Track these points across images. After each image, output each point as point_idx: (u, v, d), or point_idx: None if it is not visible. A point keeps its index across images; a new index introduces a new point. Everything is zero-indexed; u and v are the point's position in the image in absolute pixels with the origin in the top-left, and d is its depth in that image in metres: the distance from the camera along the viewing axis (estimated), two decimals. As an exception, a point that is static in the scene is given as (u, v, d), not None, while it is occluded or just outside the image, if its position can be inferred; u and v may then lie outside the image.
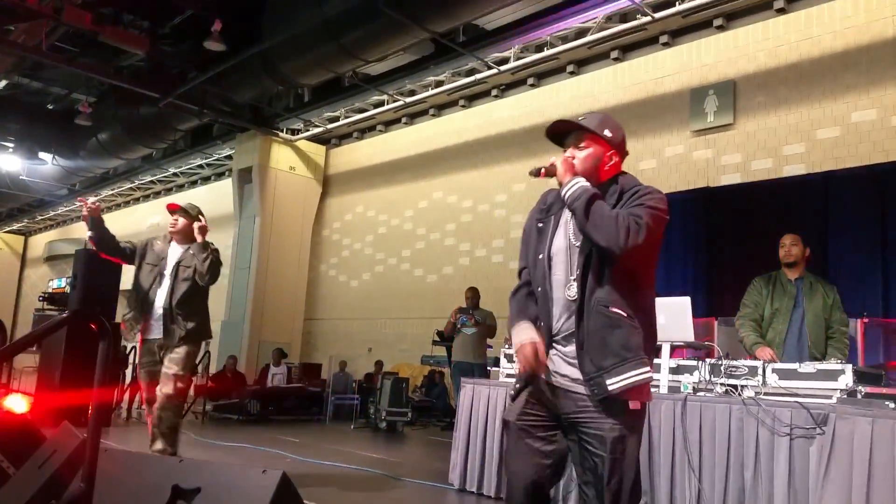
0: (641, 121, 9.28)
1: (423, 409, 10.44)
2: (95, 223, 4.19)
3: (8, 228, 23.67)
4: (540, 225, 2.28)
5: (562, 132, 2.29)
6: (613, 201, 2.14)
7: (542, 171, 2.22)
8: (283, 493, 2.38)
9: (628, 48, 9.55)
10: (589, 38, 9.04)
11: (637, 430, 2.09)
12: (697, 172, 8.66)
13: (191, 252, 4.32)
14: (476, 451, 4.52)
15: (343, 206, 14.12)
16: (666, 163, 8.99)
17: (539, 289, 2.19)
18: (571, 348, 2.09)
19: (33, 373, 8.58)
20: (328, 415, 9.88)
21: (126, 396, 9.41)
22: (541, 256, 2.21)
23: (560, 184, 2.18)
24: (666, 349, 3.76)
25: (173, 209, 4.49)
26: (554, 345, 2.14)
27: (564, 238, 2.18)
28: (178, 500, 2.51)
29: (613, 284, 2.06)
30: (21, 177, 16.60)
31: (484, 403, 4.55)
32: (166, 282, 4.26)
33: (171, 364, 4.14)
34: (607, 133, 2.23)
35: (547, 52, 9.53)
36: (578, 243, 2.12)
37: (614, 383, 2.00)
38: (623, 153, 2.29)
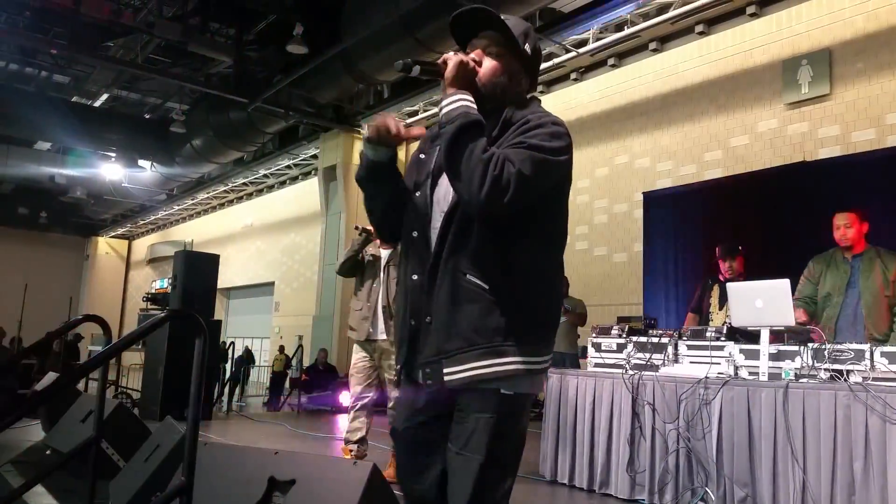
0: (731, 95, 8.84)
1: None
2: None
3: (113, 234, 25.26)
4: (422, 156, 1.76)
5: (469, 28, 1.70)
6: (496, 134, 1.60)
7: (417, 68, 1.60)
8: (374, 484, 2.43)
9: (714, 21, 9.11)
10: (672, 13, 8.68)
11: (515, 426, 1.58)
12: (793, 147, 8.17)
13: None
14: (567, 442, 4.45)
15: (424, 199, 14.23)
16: (759, 138, 8.53)
17: (415, 234, 1.65)
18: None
19: (139, 370, 9.15)
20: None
21: (226, 390, 9.87)
22: (418, 194, 1.68)
23: (443, 92, 1.61)
24: (765, 334, 3.56)
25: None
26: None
27: (445, 177, 1.62)
28: (274, 492, 2.60)
29: (481, 244, 1.54)
30: (123, 184, 17.68)
31: (573, 394, 4.46)
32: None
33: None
34: (527, 48, 1.69)
35: (627, 31, 9.22)
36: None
37: (452, 374, 1.53)
38: (535, 83, 1.77)
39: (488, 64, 1.66)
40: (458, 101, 1.57)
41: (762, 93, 8.56)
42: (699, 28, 9.17)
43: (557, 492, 4.37)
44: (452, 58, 1.60)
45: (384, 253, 4.60)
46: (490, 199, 1.46)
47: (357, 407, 4.59)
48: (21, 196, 20.76)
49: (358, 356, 4.60)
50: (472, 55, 1.65)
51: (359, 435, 4.54)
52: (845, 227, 4.05)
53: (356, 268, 4.60)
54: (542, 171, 1.51)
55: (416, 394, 1.67)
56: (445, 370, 1.55)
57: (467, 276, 1.55)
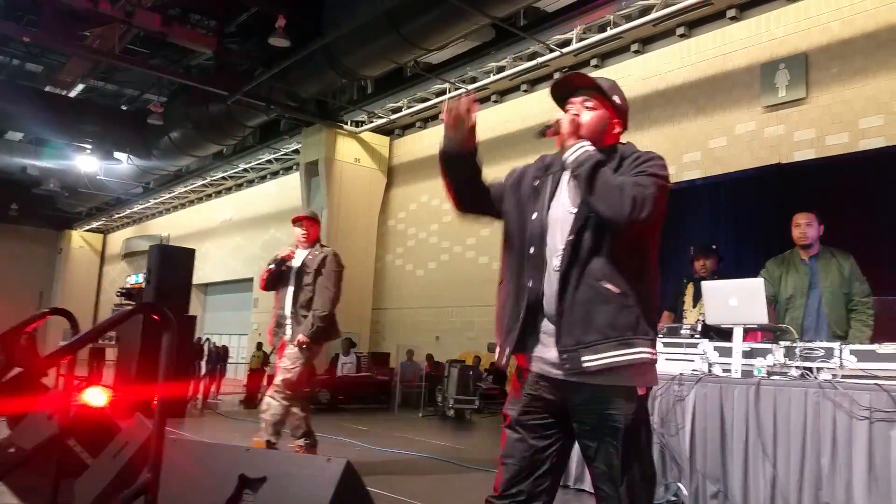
0: (710, 98, 8.94)
1: (492, 396, 10.42)
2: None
3: (87, 227, 24.89)
4: (536, 183, 2.10)
5: (566, 91, 2.11)
6: (614, 167, 1.96)
7: (549, 130, 2.03)
8: (348, 481, 2.40)
9: (695, 24, 9.20)
10: (654, 14, 8.76)
11: (647, 417, 1.95)
12: (770, 149, 8.27)
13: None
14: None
15: (408, 195, 14.20)
16: (737, 140, 8.63)
17: (532, 249, 1.99)
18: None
19: (113, 365, 9.00)
20: (396, 403, 9.99)
21: (202, 388, 9.76)
22: (535, 216, 2.02)
23: (563, 145, 2.00)
24: (738, 332, 3.60)
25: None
26: (544, 319, 1.95)
27: (561, 204, 2.00)
28: (244, 490, 2.56)
29: (609, 257, 1.90)
30: (98, 177, 17.41)
31: None
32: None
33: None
34: (616, 99, 2.08)
35: (610, 32, 9.28)
36: (575, 210, 1.95)
37: (591, 360, 1.85)
38: (625, 126, 2.13)
39: (587, 115, 2.05)
40: (582, 147, 1.96)
41: (740, 95, 8.66)
42: (680, 31, 9.25)
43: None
44: (564, 117, 2.02)
45: (296, 262, 4.75)
46: (633, 215, 1.83)
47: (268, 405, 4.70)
48: (-8, 188, 20.41)
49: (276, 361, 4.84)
50: (573, 109, 2.05)
51: (272, 438, 4.56)
52: (806, 225, 4.11)
53: (279, 282, 4.77)
54: (663, 193, 1.91)
55: (532, 385, 1.98)
56: (584, 358, 1.85)
57: (601, 281, 1.89)
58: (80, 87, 14.04)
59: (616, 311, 1.87)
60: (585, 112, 2.04)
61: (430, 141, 13.76)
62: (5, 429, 5.06)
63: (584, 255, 1.91)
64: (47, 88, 14.13)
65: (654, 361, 1.94)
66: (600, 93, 2.06)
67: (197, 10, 10.62)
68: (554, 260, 1.94)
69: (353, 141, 14.06)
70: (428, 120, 13.72)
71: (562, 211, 2.00)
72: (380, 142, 14.46)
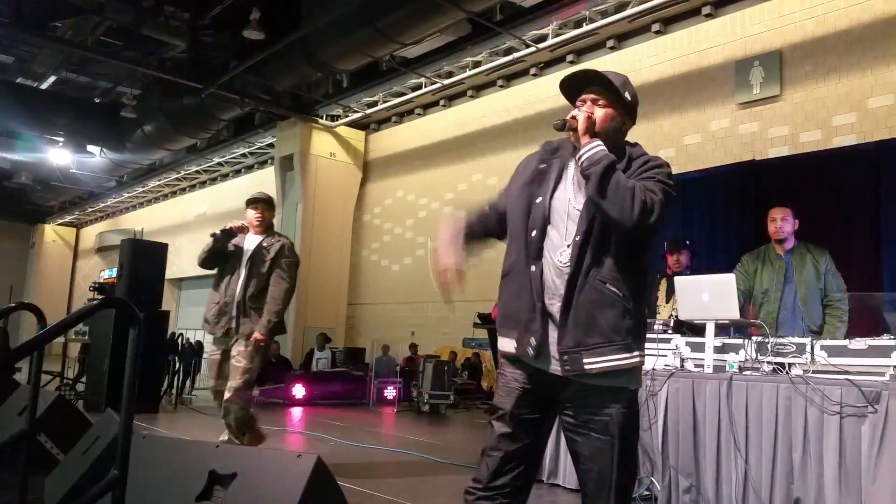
0: (685, 94, 9.01)
1: (467, 391, 10.43)
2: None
3: (60, 221, 24.50)
4: (542, 167, 2.10)
5: (578, 84, 2.10)
6: (622, 168, 1.97)
7: (561, 123, 2.05)
8: (319, 476, 2.38)
9: (670, 20, 9.26)
10: (629, 11, 8.80)
11: (637, 415, 2.01)
12: (744, 146, 8.37)
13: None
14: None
15: (383, 190, 14.14)
16: (711, 137, 8.71)
17: (534, 233, 1.98)
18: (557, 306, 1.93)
19: (85, 360, 8.86)
20: (372, 398, 9.97)
21: (176, 382, 9.64)
22: (539, 200, 2.02)
23: (576, 141, 2.01)
24: (710, 328, 3.63)
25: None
26: (547, 305, 1.94)
27: (565, 195, 2.00)
28: (214, 486, 2.53)
29: (615, 260, 1.91)
30: (71, 170, 17.11)
31: None
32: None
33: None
34: (627, 96, 2.07)
35: (586, 28, 9.30)
36: (579, 208, 1.95)
37: (592, 363, 1.86)
38: (634, 122, 2.13)
39: (599, 112, 2.03)
40: (596, 147, 1.94)
41: (715, 93, 8.74)
42: (656, 27, 9.31)
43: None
44: (580, 114, 2.01)
45: (248, 245, 4.42)
46: (641, 219, 1.84)
47: (218, 401, 4.32)
48: (-39, 180, 19.92)
49: (212, 347, 4.40)
50: (585, 107, 2.04)
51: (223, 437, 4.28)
52: (781, 219, 4.15)
53: (217, 260, 4.40)
54: (669, 201, 1.92)
55: (526, 379, 1.98)
56: (585, 360, 1.87)
57: (607, 284, 1.90)
58: (53, 78, 13.74)
59: (620, 314, 1.89)
60: (598, 109, 2.04)
61: (406, 136, 13.71)
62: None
63: (591, 257, 1.92)
64: (18, 80, 13.82)
65: (642, 364, 1.98)
66: (612, 90, 2.05)
67: (170, 1, 10.45)
68: (556, 255, 1.95)
69: (329, 135, 13.97)
70: (404, 115, 13.67)
71: (564, 202, 2.00)
72: (355, 136, 14.38)
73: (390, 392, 9.90)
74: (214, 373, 4.33)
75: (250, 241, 4.44)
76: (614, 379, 1.89)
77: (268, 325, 4.23)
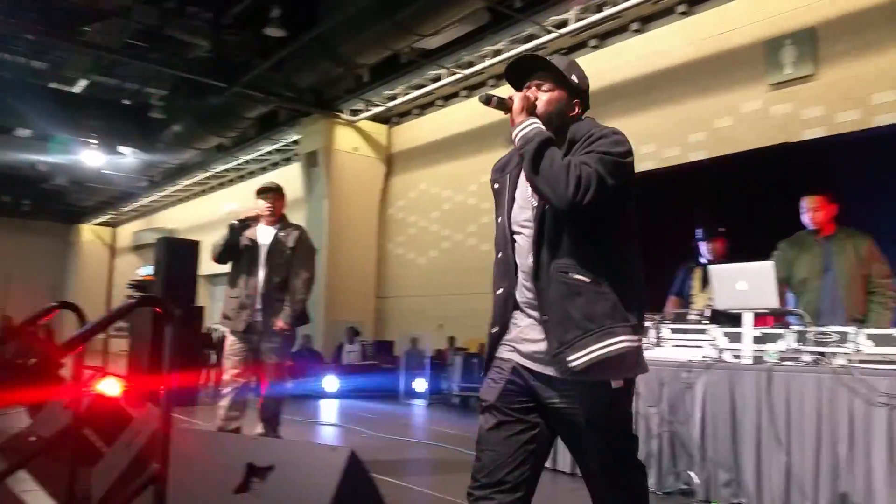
0: (714, 77, 8.81)
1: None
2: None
3: (97, 221, 24.98)
4: (496, 186, 2.08)
5: (522, 72, 2.05)
6: (563, 151, 1.87)
7: (494, 99, 1.97)
8: (352, 469, 2.41)
9: (695, 1, 9.06)
10: (653, -8, 8.63)
11: (625, 407, 1.90)
12: (777, 128, 8.16)
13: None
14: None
15: (407, 183, 14.14)
16: (742, 119, 8.52)
17: (500, 254, 1.98)
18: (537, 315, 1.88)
19: (125, 356, 9.06)
20: (401, 391, 10.01)
21: (212, 377, 9.80)
22: (500, 220, 2.01)
23: (513, 123, 1.92)
24: (748, 317, 3.55)
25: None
26: (524, 309, 1.90)
27: (521, 199, 1.95)
28: (252, 478, 2.57)
29: (573, 245, 1.82)
30: (105, 171, 17.43)
31: None
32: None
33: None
34: (574, 79, 2.00)
35: (608, 11, 9.15)
36: (535, 203, 1.89)
37: (576, 359, 1.77)
38: (586, 105, 2.05)
39: (543, 97, 1.98)
40: (531, 125, 1.88)
41: (745, 74, 8.54)
42: (681, 8, 9.12)
43: (558, 479, 4.34)
44: (517, 94, 1.96)
45: (264, 239, 4.40)
46: (576, 197, 1.73)
47: (232, 393, 4.31)
48: (3, 184, 20.41)
49: (231, 339, 4.38)
50: (529, 92, 1.99)
51: (234, 424, 4.27)
52: (813, 210, 4.03)
53: (232, 254, 4.41)
54: (613, 171, 1.79)
55: (510, 370, 1.92)
56: (569, 358, 1.78)
57: (569, 273, 1.81)
58: (84, 82, 14.00)
59: (590, 301, 1.80)
60: (541, 94, 1.99)
61: (428, 128, 13.67)
62: (26, 418, 5.12)
63: (550, 250, 1.84)
64: (52, 85, 14.12)
65: (638, 349, 1.85)
66: (556, 74, 1.99)
67: (193, 1, 10.55)
68: (525, 261, 1.90)
69: (352, 130, 13.99)
70: (425, 107, 13.62)
71: (521, 207, 1.95)
72: (378, 130, 14.38)
73: (420, 384, 9.93)
74: (234, 364, 4.31)
75: (264, 234, 4.42)
76: (603, 371, 1.79)
77: (293, 314, 4.26)
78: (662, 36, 9.51)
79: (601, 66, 10.24)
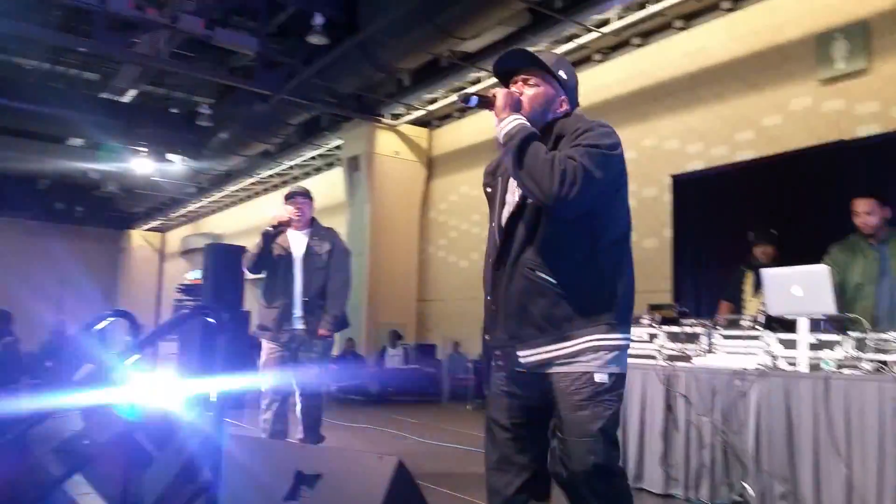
0: (761, 73, 8.58)
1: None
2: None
3: (147, 227, 25.69)
4: (488, 190, 2.04)
5: (510, 68, 2.00)
6: (550, 147, 1.82)
7: (473, 98, 1.89)
8: (400, 478, 2.41)
9: (742, -4, 8.86)
10: (697, -11, 8.46)
11: (607, 406, 1.77)
12: (828, 125, 7.90)
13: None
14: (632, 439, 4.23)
15: (448, 187, 14.16)
16: (791, 117, 8.28)
17: (491, 259, 1.93)
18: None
19: (175, 359, 9.28)
20: (445, 395, 10.00)
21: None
22: (492, 224, 1.97)
23: (497, 120, 1.86)
24: (804, 323, 3.44)
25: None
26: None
27: (513, 202, 1.90)
28: (300, 486, 2.60)
29: (547, 243, 1.77)
30: (154, 178, 17.91)
31: (637, 388, 4.17)
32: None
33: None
34: (562, 74, 1.97)
35: (651, 9, 9.00)
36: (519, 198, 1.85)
37: (526, 356, 1.77)
38: (575, 102, 2.01)
39: (529, 92, 1.93)
40: (514, 121, 1.82)
41: (794, 69, 8.29)
42: (726, 4, 8.92)
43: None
44: (500, 90, 1.89)
45: (297, 246, 4.31)
46: (562, 192, 1.67)
47: (273, 405, 4.25)
48: (57, 192, 21.19)
49: (270, 346, 4.30)
50: (514, 88, 1.94)
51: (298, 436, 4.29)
52: (866, 213, 3.89)
53: (266, 263, 4.30)
54: (600, 165, 1.73)
55: (508, 382, 1.89)
56: (519, 353, 1.77)
57: (536, 272, 1.77)
58: (133, 92, 14.43)
59: (551, 303, 1.75)
60: (527, 89, 1.94)
61: (468, 131, 13.66)
62: (80, 421, 5.29)
63: (520, 243, 1.80)
64: (103, 95, 14.59)
65: (613, 348, 1.77)
66: (543, 69, 1.94)
67: (238, 11, 10.77)
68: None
69: (393, 134, 14.08)
70: (465, 110, 13.61)
71: (507, 207, 1.92)
72: (419, 134, 14.44)
73: (463, 388, 9.91)
74: (273, 373, 4.26)
75: (297, 241, 4.33)
76: (567, 366, 1.75)
77: (333, 320, 4.21)
78: (707, 32, 9.32)
79: (644, 65, 10.08)
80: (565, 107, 1.97)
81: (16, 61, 13.44)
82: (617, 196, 1.87)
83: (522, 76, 1.95)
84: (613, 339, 1.78)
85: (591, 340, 1.75)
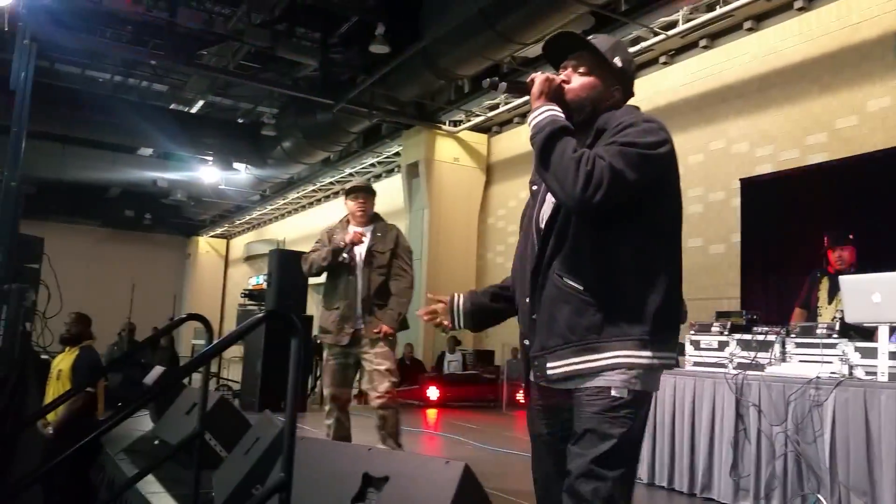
0: (836, 74, 8.27)
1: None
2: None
3: (212, 233, 26.54)
4: (534, 188, 1.87)
5: (560, 52, 1.81)
6: (590, 142, 1.66)
7: (502, 85, 1.74)
8: (466, 484, 2.42)
9: (814, -5, 8.55)
10: (767, -12, 8.21)
11: (621, 424, 1.58)
12: (908, 127, 7.55)
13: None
14: (665, 444, 4.27)
15: (506, 192, 14.12)
16: (869, 118, 7.93)
17: (529, 266, 1.77)
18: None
19: (239, 362, 9.57)
20: (504, 401, 9.97)
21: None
22: (530, 226, 1.83)
23: (531, 108, 1.71)
24: (884, 331, 3.30)
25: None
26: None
27: (552, 199, 1.72)
28: (368, 488, 2.63)
29: (575, 248, 1.63)
30: (220, 186, 18.51)
31: (671, 393, 4.28)
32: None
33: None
34: (617, 61, 1.78)
35: (720, 10, 8.78)
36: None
37: (553, 368, 1.64)
38: (628, 92, 1.81)
39: (578, 80, 1.76)
40: (544, 112, 1.67)
41: (871, 69, 7.95)
42: (798, 3, 8.63)
43: (656, 495, 4.22)
44: (538, 75, 1.73)
45: (359, 249, 4.18)
46: (586, 195, 1.52)
47: (335, 412, 4.17)
48: (127, 200, 22.12)
49: (331, 353, 4.21)
50: (562, 75, 1.78)
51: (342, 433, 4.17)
52: None
53: (326, 267, 4.21)
54: (636, 165, 1.55)
55: (539, 396, 1.80)
56: (548, 364, 1.66)
57: (563, 278, 1.65)
58: (201, 102, 14.97)
59: (575, 311, 1.62)
60: (576, 77, 1.77)
61: (527, 136, 13.48)
62: (150, 422, 5.50)
63: (553, 248, 1.68)
64: (172, 106, 15.18)
65: (644, 366, 1.60)
66: (596, 55, 1.76)
67: (302, 23, 11.04)
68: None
69: (452, 140, 14.15)
70: (525, 115, 13.55)
71: (545, 207, 1.78)
72: (478, 140, 14.46)
73: (522, 395, 9.86)
74: (335, 380, 4.17)
75: (359, 248, 4.21)
76: (587, 381, 1.61)
77: (397, 317, 4.09)
78: (778, 33, 9.04)
79: (712, 67, 9.85)
80: (618, 96, 1.79)
81: (89, 74, 14.10)
82: (662, 196, 1.67)
83: (572, 62, 1.78)
84: (644, 356, 1.60)
85: (618, 357, 1.59)
